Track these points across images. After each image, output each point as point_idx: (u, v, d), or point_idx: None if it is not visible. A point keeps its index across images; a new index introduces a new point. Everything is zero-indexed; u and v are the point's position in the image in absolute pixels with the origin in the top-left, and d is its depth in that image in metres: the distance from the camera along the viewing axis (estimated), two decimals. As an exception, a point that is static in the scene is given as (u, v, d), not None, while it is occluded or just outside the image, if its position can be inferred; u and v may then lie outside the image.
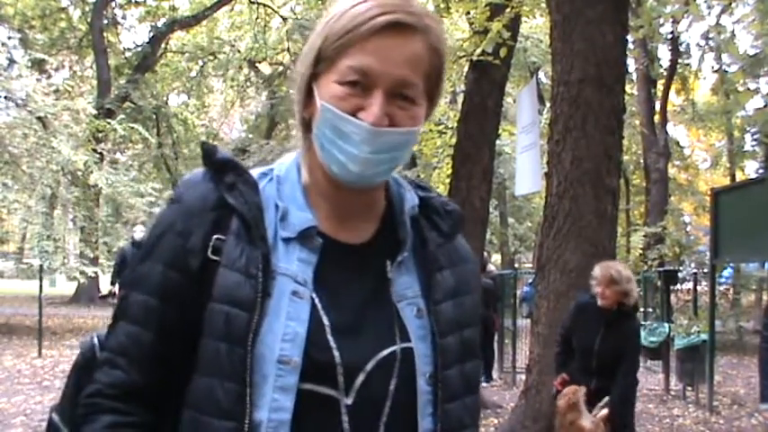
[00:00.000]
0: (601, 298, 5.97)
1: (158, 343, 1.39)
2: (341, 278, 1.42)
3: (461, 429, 1.48)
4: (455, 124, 12.29)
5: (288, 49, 27.37)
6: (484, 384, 13.34)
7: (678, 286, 15.85)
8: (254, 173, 1.47)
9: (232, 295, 1.34)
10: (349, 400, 1.36)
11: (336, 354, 1.35)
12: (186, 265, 1.39)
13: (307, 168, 1.48)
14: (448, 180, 11.83)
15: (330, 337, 1.36)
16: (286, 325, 1.34)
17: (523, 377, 9.03)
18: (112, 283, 15.15)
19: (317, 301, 1.37)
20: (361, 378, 1.36)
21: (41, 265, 17.73)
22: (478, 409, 1.57)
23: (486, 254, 15.13)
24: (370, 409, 1.37)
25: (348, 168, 1.37)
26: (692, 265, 20.53)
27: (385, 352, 1.38)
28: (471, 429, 1.52)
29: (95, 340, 1.54)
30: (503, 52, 9.77)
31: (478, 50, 9.64)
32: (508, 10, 9.35)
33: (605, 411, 5.62)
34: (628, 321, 6.10)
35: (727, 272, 21.57)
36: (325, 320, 1.36)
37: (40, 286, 16.03)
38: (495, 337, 14.60)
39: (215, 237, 1.39)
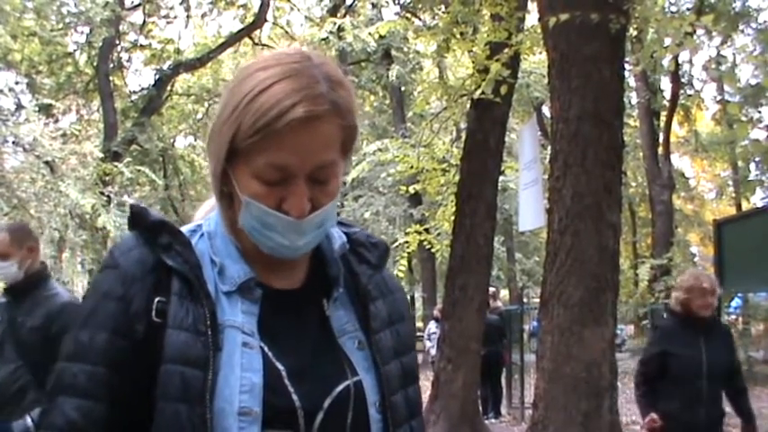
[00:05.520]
0: (705, 309, 5.42)
1: (112, 414, 1.35)
2: (284, 324, 1.45)
3: None
4: (458, 162, 12.37)
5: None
6: (493, 420, 13.32)
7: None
8: (185, 229, 1.49)
9: (184, 355, 1.34)
10: None
11: (295, 398, 1.37)
12: (131, 330, 1.37)
13: (233, 232, 1.48)
14: (452, 218, 11.89)
15: (287, 382, 1.38)
16: (242, 377, 1.35)
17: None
18: None
19: (266, 349, 1.40)
20: (320, 417, 1.39)
21: (50, 309, 17.79)
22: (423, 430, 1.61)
23: (494, 289, 15.16)
24: None
25: (278, 252, 1.42)
26: (700, 296, 20.45)
27: (339, 388, 1.42)
28: None
29: (29, 422, 1.53)
30: (503, 90, 9.87)
31: (479, 92, 9.72)
32: (507, 49, 9.45)
33: None
34: (724, 328, 5.71)
35: (736, 302, 21.51)
36: (280, 366, 1.39)
37: (50, 330, 16.07)
38: (504, 373, 14.61)
39: (157, 299, 1.38)
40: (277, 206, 1.37)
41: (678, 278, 5.77)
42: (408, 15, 22.60)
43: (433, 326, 17.20)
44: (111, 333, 1.37)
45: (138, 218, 1.46)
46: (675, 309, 5.63)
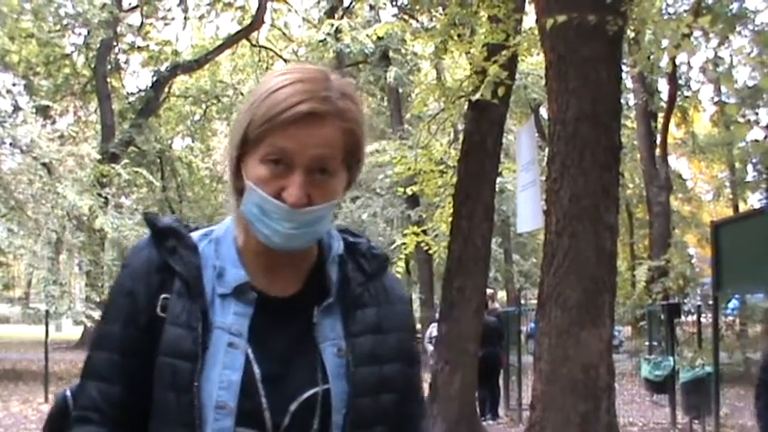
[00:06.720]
0: None
1: (127, 395, 1.53)
2: (272, 330, 1.56)
3: None
4: (456, 164, 12.36)
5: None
6: (490, 422, 13.32)
7: (683, 319, 15.84)
8: (198, 234, 1.63)
9: (176, 348, 1.50)
10: None
11: (264, 400, 1.50)
12: (137, 321, 1.54)
13: (240, 230, 1.61)
14: (450, 219, 11.87)
15: (260, 385, 1.50)
16: (222, 374, 1.49)
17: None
18: None
19: (249, 351, 1.52)
20: (286, 420, 1.50)
21: (47, 310, 17.84)
22: None
23: (491, 291, 15.15)
24: None
25: (272, 240, 1.51)
26: (698, 297, 20.47)
27: (306, 394, 1.52)
28: None
29: (68, 393, 1.70)
30: (501, 91, 9.85)
31: (477, 95, 9.70)
32: (505, 51, 9.45)
33: None
34: None
35: (733, 303, 21.49)
36: (256, 369, 1.51)
37: (46, 331, 16.12)
38: (502, 375, 14.61)
39: (162, 296, 1.55)
40: (276, 195, 1.48)
41: None
42: (406, 17, 22.57)
43: (434, 329, 17.14)
44: (123, 324, 1.55)
45: (150, 224, 1.62)
46: None
